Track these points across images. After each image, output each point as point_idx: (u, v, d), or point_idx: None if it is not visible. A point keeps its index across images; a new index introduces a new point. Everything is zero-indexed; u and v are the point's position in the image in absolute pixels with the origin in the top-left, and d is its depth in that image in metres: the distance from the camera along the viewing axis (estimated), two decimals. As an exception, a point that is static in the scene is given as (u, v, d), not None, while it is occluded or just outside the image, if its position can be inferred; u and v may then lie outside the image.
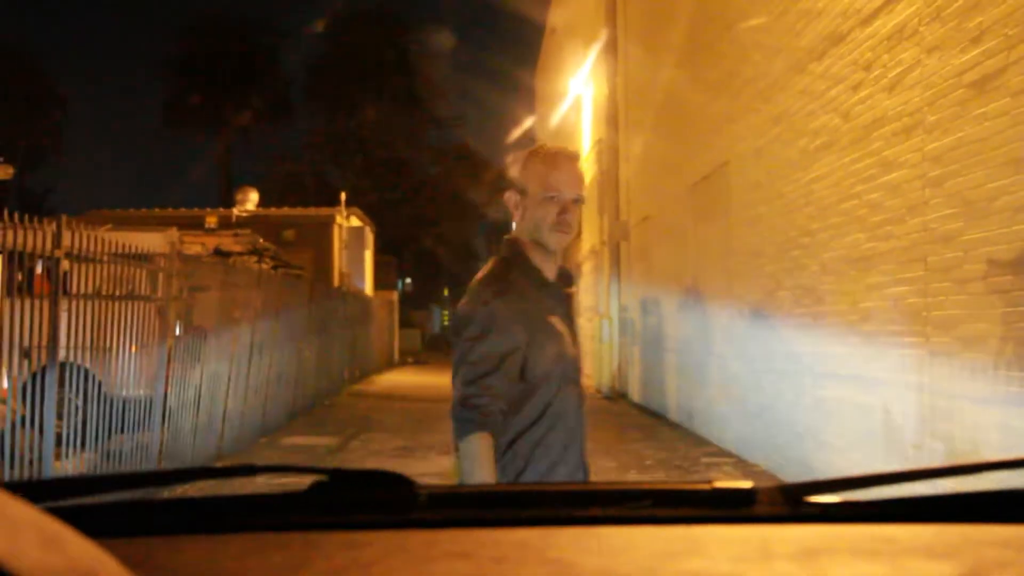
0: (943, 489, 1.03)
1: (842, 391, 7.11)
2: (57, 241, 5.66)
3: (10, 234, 5.23)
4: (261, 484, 4.62)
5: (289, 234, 21.79)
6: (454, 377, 2.36)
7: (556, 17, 30.11)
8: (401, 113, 43.41)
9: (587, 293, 21.49)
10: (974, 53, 5.25)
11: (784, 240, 8.41)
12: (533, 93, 36.92)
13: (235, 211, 21.75)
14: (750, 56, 9.47)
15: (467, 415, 2.25)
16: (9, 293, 5.37)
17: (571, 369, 2.48)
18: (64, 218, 5.89)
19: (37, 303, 5.83)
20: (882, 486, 1.03)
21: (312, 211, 23.50)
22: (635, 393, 16.05)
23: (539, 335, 2.38)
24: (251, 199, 23.33)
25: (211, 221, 17.55)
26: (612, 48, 17.76)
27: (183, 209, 23.20)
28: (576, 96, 23.04)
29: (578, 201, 2.45)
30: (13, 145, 34.50)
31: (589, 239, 21.45)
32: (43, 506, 0.67)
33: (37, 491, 1.02)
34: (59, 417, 6.35)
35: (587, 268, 21.83)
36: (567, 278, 2.59)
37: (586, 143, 21.92)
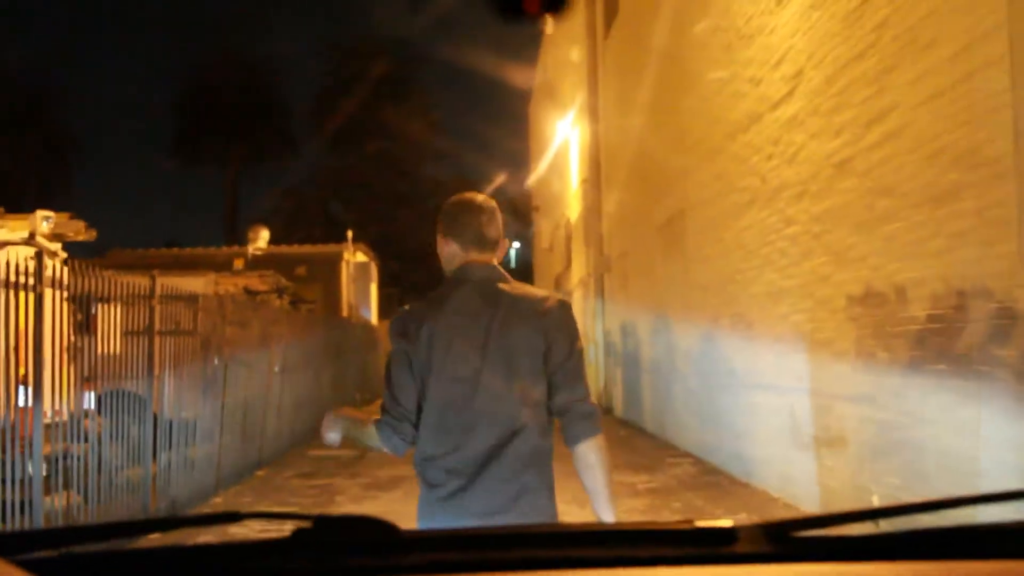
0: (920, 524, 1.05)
1: (764, 397, 8.89)
2: (152, 291, 7.45)
3: (124, 286, 7.00)
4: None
5: (300, 270, 23.57)
6: (580, 379, 2.72)
7: (546, 57, 32.06)
8: (401, 147, 45.22)
9: (578, 318, 23.09)
10: (837, 143, 7.08)
11: (724, 277, 10.22)
12: (527, 124, 38.68)
13: (250, 249, 23.48)
14: (698, 121, 11.30)
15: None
16: (125, 334, 7.14)
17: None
18: (155, 273, 7.68)
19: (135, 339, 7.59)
20: (863, 521, 1.06)
21: (321, 248, 25.28)
22: (619, 409, 17.75)
23: None
24: (262, 237, 25.03)
25: (239, 263, 19.38)
26: (593, 102, 19.60)
27: (200, 248, 25.01)
28: (564, 137, 24.81)
29: None
30: (26, 185, 36.11)
31: (578, 270, 23.08)
32: (23, 557, 0.66)
33: (16, 543, 1.03)
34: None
35: (577, 296, 23.53)
36: None
37: (575, 179, 23.68)
